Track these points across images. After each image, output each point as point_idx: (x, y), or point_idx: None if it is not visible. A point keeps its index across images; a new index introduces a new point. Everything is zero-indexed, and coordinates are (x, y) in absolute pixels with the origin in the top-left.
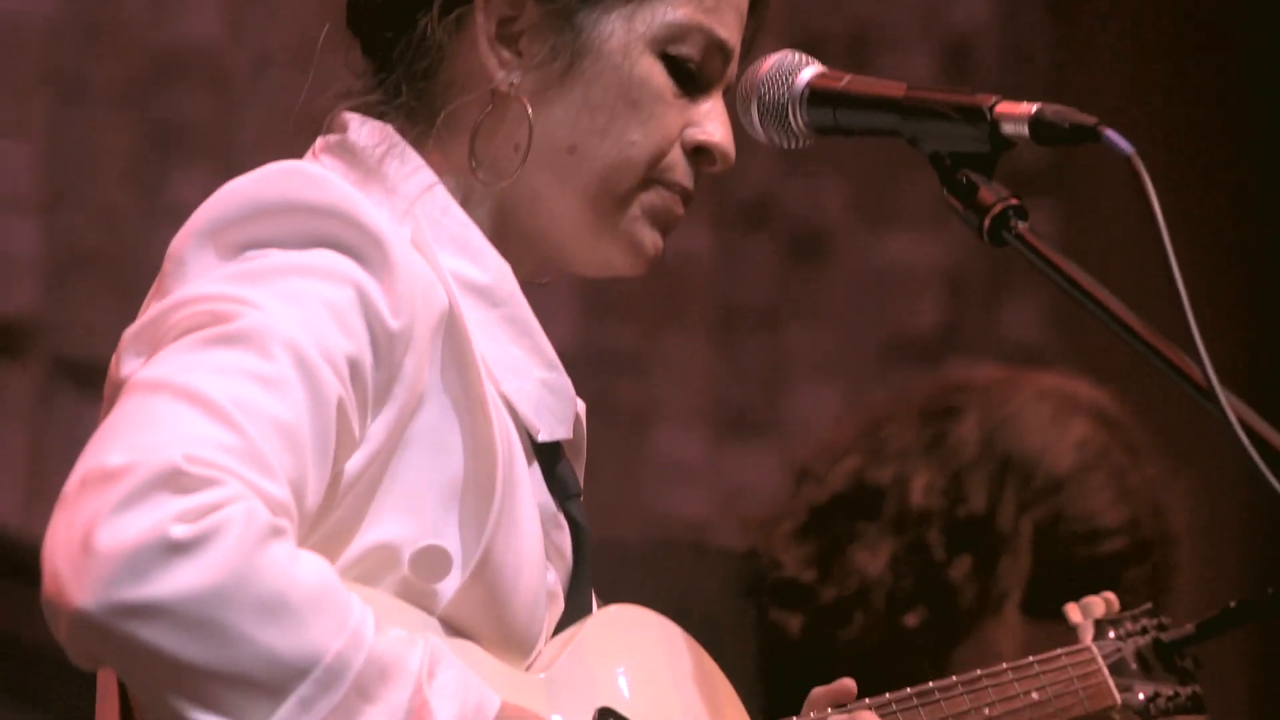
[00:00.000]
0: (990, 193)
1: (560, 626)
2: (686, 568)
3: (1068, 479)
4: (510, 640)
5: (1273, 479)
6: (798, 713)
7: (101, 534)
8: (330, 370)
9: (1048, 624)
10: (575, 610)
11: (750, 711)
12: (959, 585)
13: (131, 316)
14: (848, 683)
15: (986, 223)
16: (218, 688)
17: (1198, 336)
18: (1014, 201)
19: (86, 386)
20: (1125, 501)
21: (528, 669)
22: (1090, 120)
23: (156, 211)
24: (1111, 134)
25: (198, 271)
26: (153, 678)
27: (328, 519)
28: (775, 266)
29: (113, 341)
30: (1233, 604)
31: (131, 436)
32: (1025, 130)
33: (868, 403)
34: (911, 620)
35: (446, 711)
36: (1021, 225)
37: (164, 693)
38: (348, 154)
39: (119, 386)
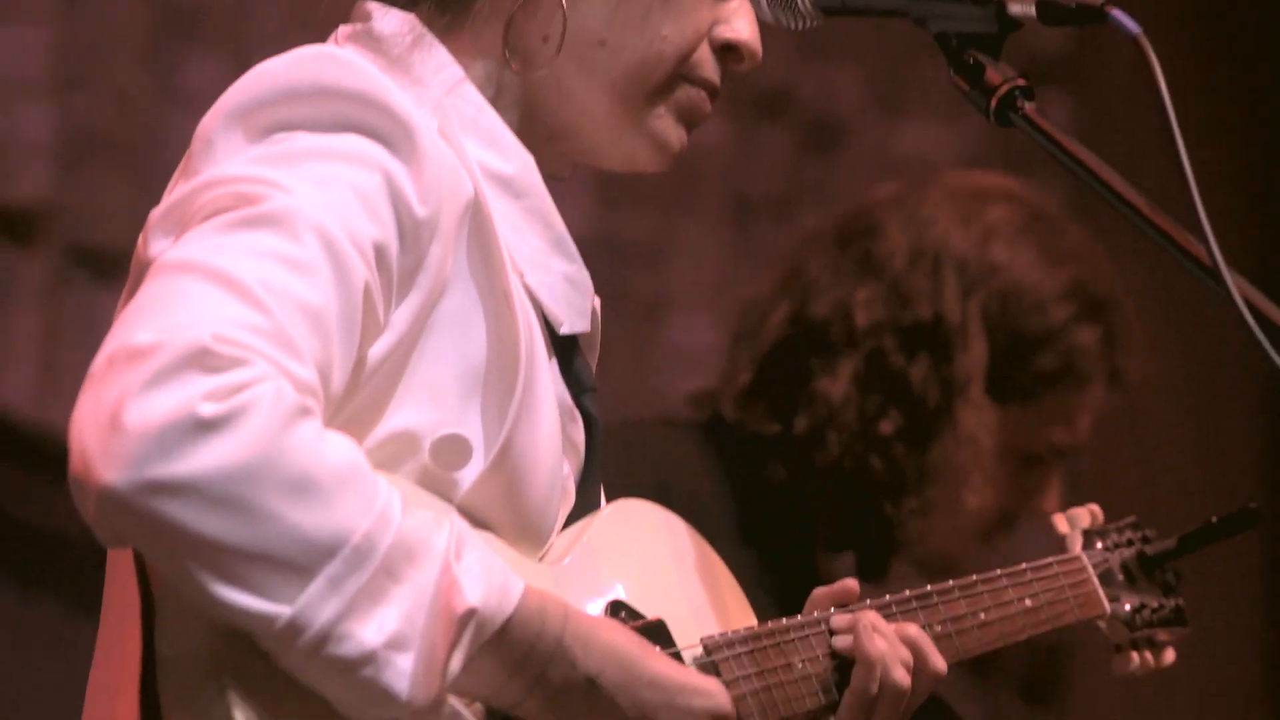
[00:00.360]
0: (997, 73)
1: (570, 520)
2: (658, 443)
3: (1000, 259)
4: (525, 531)
5: (1276, 356)
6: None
7: (130, 412)
8: (357, 255)
9: (1016, 406)
10: (585, 504)
11: (749, 591)
12: (923, 384)
13: (145, 202)
14: (850, 583)
15: (993, 103)
16: (246, 566)
17: (1203, 215)
18: (1021, 82)
19: (99, 273)
20: (1062, 265)
21: (540, 560)
22: (1097, 1)
23: (170, 96)
24: (1118, 14)
25: (226, 152)
26: (180, 555)
27: (350, 405)
28: (790, 156)
29: (126, 227)
30: (1214, 519)
31: (160, 316)
32: (1032, 10)
33: (775, 254)
34: (886, 428)
35: (474, 591)
36: (1028, 106)
37: (191, 571)
38: (372, 42)
39: (146, 266)
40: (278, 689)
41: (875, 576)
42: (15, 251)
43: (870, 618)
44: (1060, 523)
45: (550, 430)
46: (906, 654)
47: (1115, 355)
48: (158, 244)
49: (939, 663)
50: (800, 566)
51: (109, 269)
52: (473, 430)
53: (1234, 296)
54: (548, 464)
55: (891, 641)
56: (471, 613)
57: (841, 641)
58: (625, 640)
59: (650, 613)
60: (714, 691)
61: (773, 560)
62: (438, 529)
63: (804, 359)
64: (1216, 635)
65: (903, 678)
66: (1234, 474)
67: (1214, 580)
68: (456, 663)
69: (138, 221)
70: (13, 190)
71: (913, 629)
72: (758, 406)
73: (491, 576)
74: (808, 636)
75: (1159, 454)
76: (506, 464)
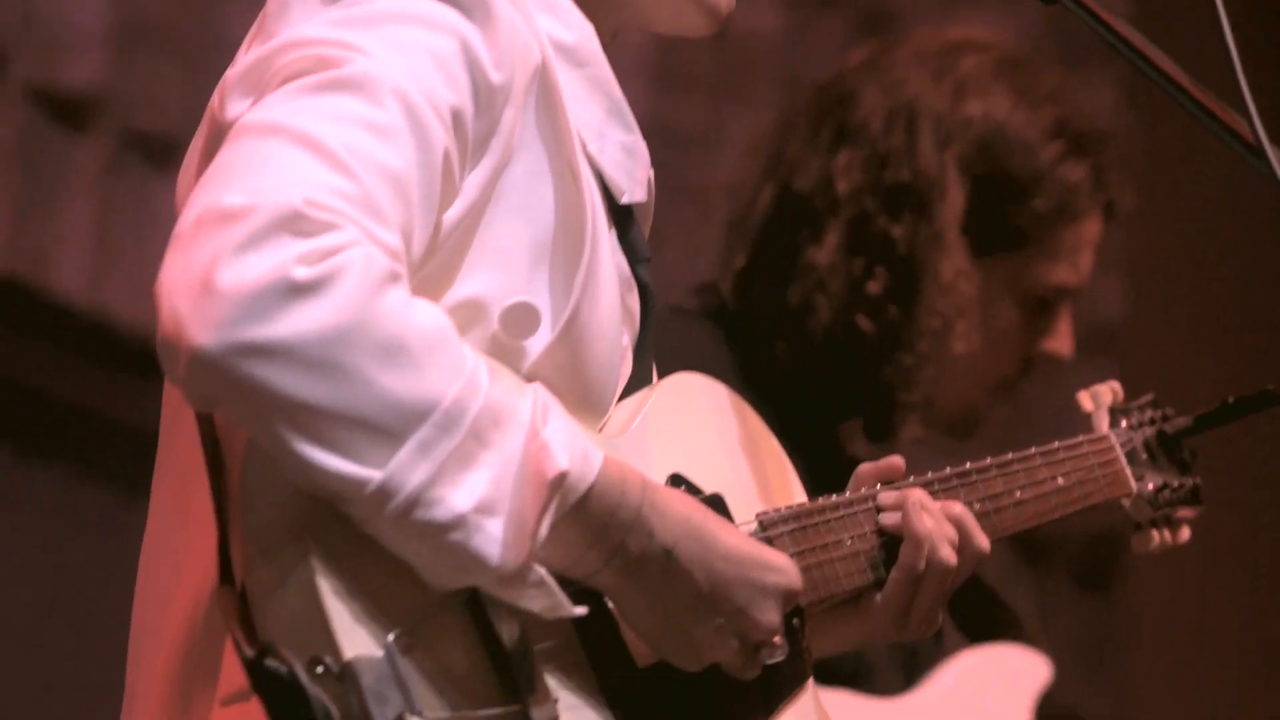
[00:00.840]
0: None
1: (626, 391)
2: (674, 330)
3: (975, 111)
4: (587, 402)
5: None
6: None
7: (223, 274)
8: (437, 120)
9: (1012, 251)
10: (640, 375)
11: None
12: (906, 242)
13: (199, 89)
14: (896, 460)
15: None
16: (337, 428)
17: (1246, 92)
18: None
19: (152, 160)
20: (1043, 106)
21: (599, 431)
22: None
23: None
24: None
25: (302, 14)
26: (271, 419)
27: (423, 271)
28: (843, 43)
29: (180, 114)
30: (1230, 399)
31: (249, 178)
32: None
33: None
34: (873, 288)
35: (562, 456)
36: None
37: (282, 434)
38: None
39: (223, 127)
40: (360, 555)
41: (884, 438)
42: (69, 138)
43: (917, 496)
44: (1085, 400)
45: (612, 301)
46: (953, 532)
47: (1108, 187)
48: (235, 105)
49: (982, 541)
50: (822, 442)
51: (162, 156)
52: (540, 299)
53: (1277, 175)
54: (610, 335)
55: (938, 519)
56: (562, 476)
57: (889, 519)
58: (700, 513)
59: (707, 487)
60: (787, 568)
61: (794, 441)
62: (522, 395)
63: (793, 234)
64: (1262, 519)
65: (949, 556)
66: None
67: (1260, 463)
68: (545, 527)
69: (191, 108)
70: (67, 76)
71: (958, 507)
72: (755, 287)
73: (575, 444)
74: (855, 514)
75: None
76: (572, 334)
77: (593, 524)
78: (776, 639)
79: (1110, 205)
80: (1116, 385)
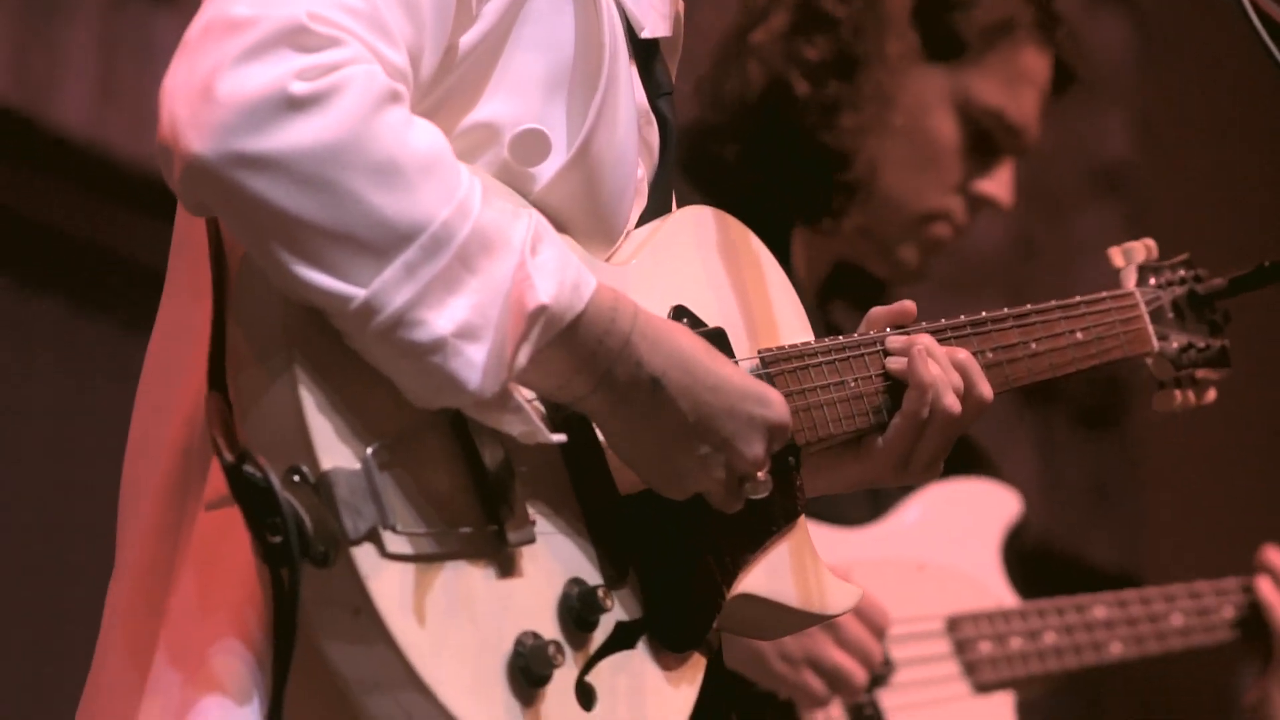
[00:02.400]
0: None
1: (642, 221)
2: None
3: None
4: (596, 231)
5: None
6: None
7: (223, 83)
8: None
9: (954, 62)
10: (656, 206)
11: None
12: (851, 20)
13: None
14: (908, 305)
15: None
16: (325, 244)
17: None
18: None
19: None
20: None
21: (607, 260)
22: None
23: None
24: None
25: None
26: (261, 230)
27: (436, 92)
28: None
29: None
30: (1266, 263)
31: None
32: None
33: None
34: (810, 53)
35: (546, 287)
36: None
37: (271, 247)
38: None
39: None
40: (345, 369)
41: (820, 218)
42: None
43: (925, 341)
44: (1116, 256)
45: (628, 131)
46: (958, 379)
47: (1054, 35)
48: None
49: (985, 390)
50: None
51: None
52: (555, 126)
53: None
54: (623, 165)
55: (944, 367)
56: (541, 310)
57: (895, 364)
58: (692, 344)
59: (712, 321)
60: (774, 401)
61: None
62: (515, 221)
63: (743, 34)
64: (1271, 357)
65: (953, 404)
66: None
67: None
68: (523, 357)
69: None
70: None
71: (963, 354)
72: (708, 96)
73: (566, 272)
74: (862, 356)
75: None
76: (585, 162)
77: (580, 350)
78: (761, 474)
79: (1059, 62)
80: (1150, 243)
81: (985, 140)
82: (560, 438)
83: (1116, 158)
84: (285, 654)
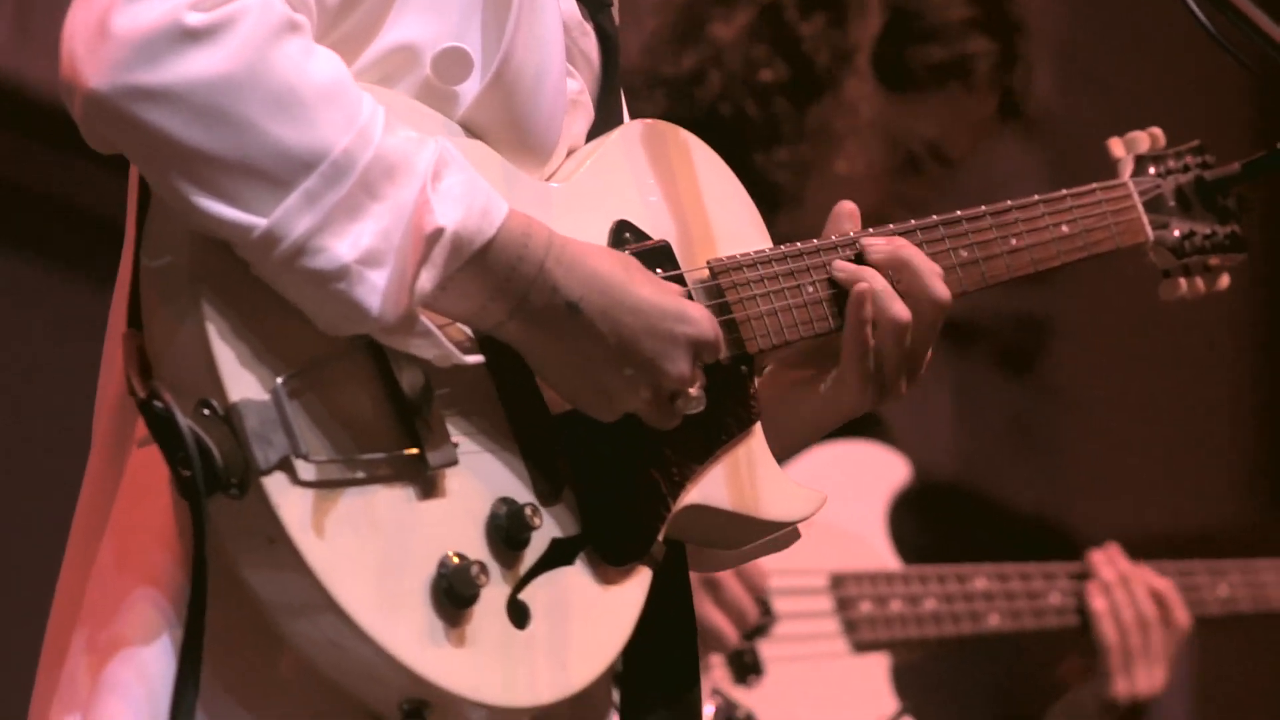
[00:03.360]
0: None
1: (591, 136)
2: None
3: None
4: (527, 148)
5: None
6: None
7: (118, 18)
8: None
9: (902, 93)
10: (607, 120)
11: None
12: (812, 42)
13: None
14: (847, 206)
15: None
16: (223, 175)
17: None
18: None
19: None
20: None
21: (549, 179)
22: None
23: None
24: None
25: None
26: (161, 163)
27: (349, 17)
28: None
29: None
30: None
31: None
32: None
33: None
34: (766, 75)
35: (451, 213)
36: None
37: (172, 179)
38: None
39: None
40: (255, 300)
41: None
42: None
43: (871, 275)
44: (1116, 146)
45: (553, 45)
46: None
47: (1008, 77)
48: None
49: (938, 290)
50: None
51: None
52: (473, 43)
53: None
54: (549, 80)
55: (882, 282)
56: (439, 232)
57: (839, 272)
58: (611, 266)
59: (659, 234)
60: (697, 318)
61: None
62: (421, 148)
63: (707, 7)
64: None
65: (900, 311)
66: None
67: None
68: (425, 280)
69: None
70: None
71: (908, 252)
72: (659, 50)
73: (474, 198)
74: (822, 262)
75: None
76: (506, 79)
77: (493, 277)
78: (693, 390)
79: (1008, 96)
80: (1157, 131)
81: (912, 164)
82: (476, 359)
83: (1038, 97)
84: (200, 587)
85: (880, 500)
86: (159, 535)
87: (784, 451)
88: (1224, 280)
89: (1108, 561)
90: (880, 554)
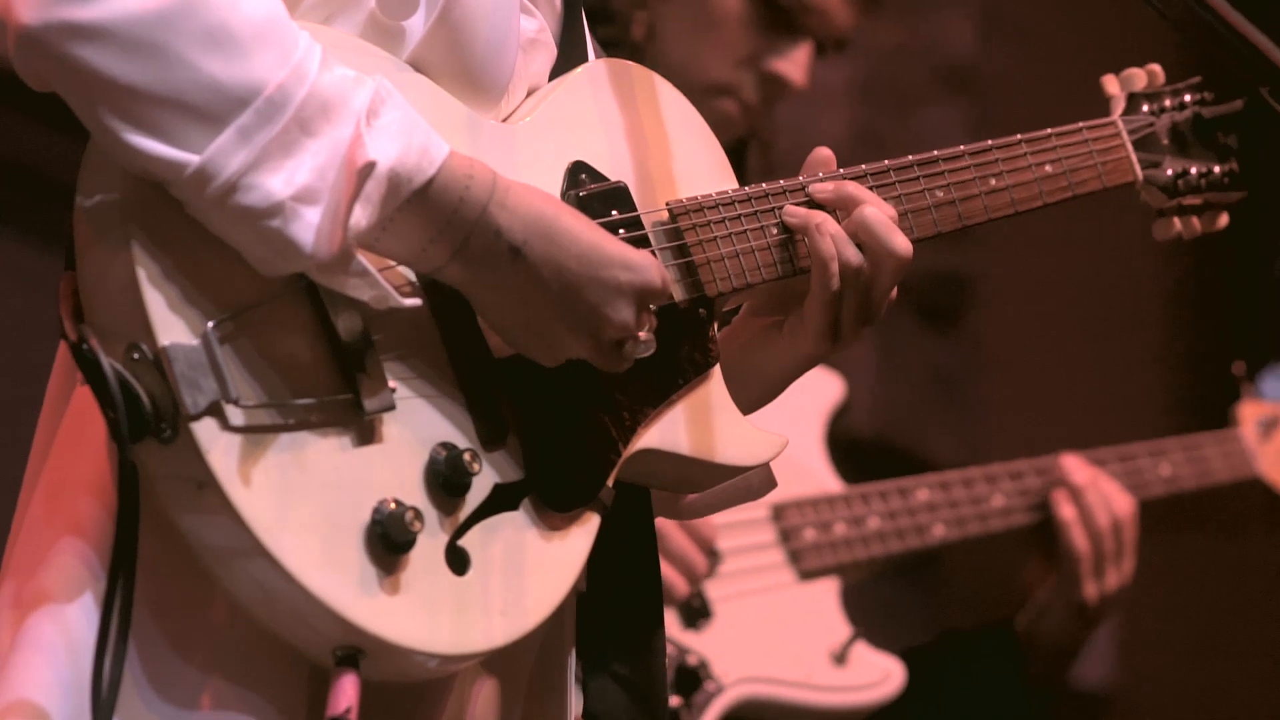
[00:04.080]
0: None
1: (554, 75)
2: None
3: None
4: (476, 87)
5: None
6: None
7: None
8: None
9: None
10: (570, 59)
11: None
12: None
13: None
14: (823, 152)
15: None
16: (156, 111)
17: None
18: None
19: None
20: None
21: (506, 119)
22: None
23: None
24: None
25: None
26: (93, 99)
27: None
28: None
29: None
30: None
31: None
32: None
33: None
34: None
35: (387, 149)
36: None
37: (103, 115)
38: None
39: None
40: (188, 242)
41: None
42: None
43: (821, 218)
44: (1110, 84)
45: None
46: (854, 253)
47: None
48: None
49: (897, 242)
50: None
51: None
52: None
53: None
54: (496, 16)
55: (840, 241)
56: (370, 166)
57: (791, 219)
58: (557, 212)
59: (618, 175)
60: (643, 265)
61: None
62: (358, 86)
63: None
64: (1105, 250)
65: (854, 255)
66: None
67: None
68: (361, 217)
69: None
70: None
71: (866, 211)
72: None
73: (413, 135)
74: (786, 203)
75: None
76: (453, 13)
77: (433, 218)
78: (642, 334)
79: None
80: (1156, 68)
81: (781, 17)
82: (414, 302)
83: (962, 55)
84: (129, 532)
85: (817, 422)
86: (91, 483)
87: (753, 400)
88: (1222, 219)
89: (1077, 466)
90: (820, 477)
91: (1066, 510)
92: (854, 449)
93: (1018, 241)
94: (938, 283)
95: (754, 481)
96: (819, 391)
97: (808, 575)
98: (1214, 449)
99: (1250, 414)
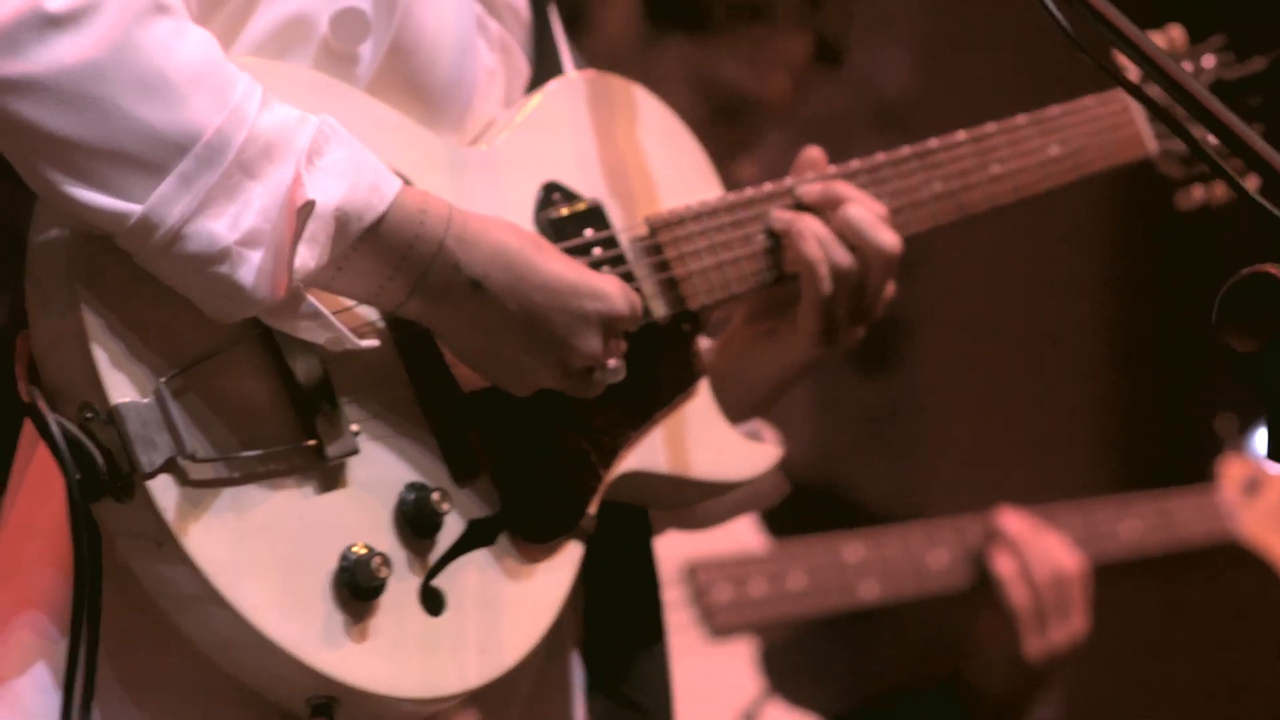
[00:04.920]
0: None
1: (531, 90)
2: None
3: None
4: (437, 111)
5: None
6: None
7: None
8: None
9: (701, 33)
10: (546, 71)
11: None
12: None
13: None
14: (812, 153)
15: None
16: (96, 164)
17: None
18: None
19: None
20: None
21: (473, 141)
22: None
23: None
24: None
25: None
26: (31, 154)
27: None
28: None
29: None
30: None
31: None
32: None
33: None
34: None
35: (332, 188)
36: None
37: (43, 170)
38: None
39: None
40: (137, 297)
41: None
42: None
43: (807, 222)
44: (1121, 55)
45: (452, 4)
46: (849, 246)
47: (819, 16)
48: None
49: (884, 239)
50: None
51: None
52: (367, 3)
53: None
54: (451, 39)
55: (828, 243)
56: (309, 206)
57: (777, 224)
58: (518, 242)
59: (594, 193)
60: (609, 293)
61: None
62: (301, 125)
63: None
64: (1042, 294)
65: (843, 257)
66: None
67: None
68: (307, 257)
69: None
70: None
71: (852, 210)
72: None
73: (360, 174)
74: (772, 210)
75: None
76: (406, 37)
77: (389, 255)
78: (611, 362)
79: (821, 39)
80: (1176, 33)
81: (732, 117)
82: (371, 343)
83: (896, 91)
84: (91, 594)
85: None
86: (49, 554)
87: (750, 410)
88: (1250, 182)
89: (1014, 520)
90: (741, 532)
91: (1004, 565)
92: (801, 498)
93: (954, 279)
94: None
95: (765, 488)
96: None
97: (720, 634)
98: (1186, 507)
99: (1232, 471)
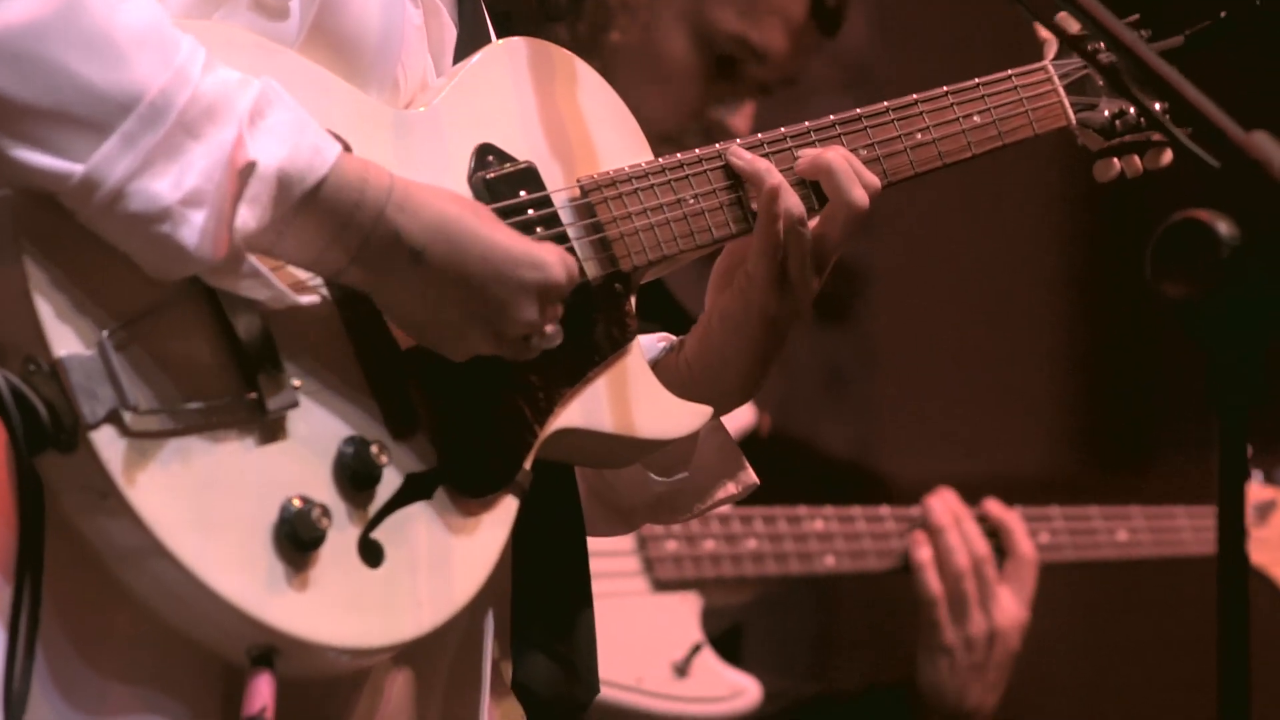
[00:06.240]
0: None
1: (457, 50)
2: None
3: None
4: (364, 76)
5: None
6: None
7: None
8: None
9: None
10: (473, 37)
11: None
12: None
13: None
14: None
15: None
16: (38, 123)
17: None
18: None
19: None
20: None
21: (408, 105)
22: None
23: None
24: None
25: None
26: None
27: None
28: None
29: None
30: (1223, 13)
31: None
32: None
33: None
34: None
35: (273, 150)
36: None
37: None
38: None
39: None
40: (80, 253)
41: None
42: None
43: (776, 179)
44: (1041, 29)
45: None
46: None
47: None
48: None
49: (857, 197)
50: None
51: None
52: None
53: None
54: (375, 6)
55: (788, 195)
56: (250, 166)
57: (737, 159)
58: (458, 212)
59: (524, 155)
60: (548, 262)
61: None
62: (243, 88)
63: None
64: (996, 246)
65: (796, 204)
66: None
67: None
68: (249, 218)
69: None
70: None
71: (832, 153)
72: None
73: (302, 136)
74: (703, 171)
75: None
76: (329, 7)
77: (329, 221)
78: (548, 328)
79: (819, 5)
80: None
81: (728, 68)
82: (311, 299)
83: (855, 49)
84: (33, 542)
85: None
86: None
87: (742, 377)
88: (1166, 156)
89: (941, 507)
90: None
91: (922, 552)
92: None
93: (912, 230)
94: (830, 272)
95: (744, 424)
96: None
97: (662, 586)
98: (1187, 521)
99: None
